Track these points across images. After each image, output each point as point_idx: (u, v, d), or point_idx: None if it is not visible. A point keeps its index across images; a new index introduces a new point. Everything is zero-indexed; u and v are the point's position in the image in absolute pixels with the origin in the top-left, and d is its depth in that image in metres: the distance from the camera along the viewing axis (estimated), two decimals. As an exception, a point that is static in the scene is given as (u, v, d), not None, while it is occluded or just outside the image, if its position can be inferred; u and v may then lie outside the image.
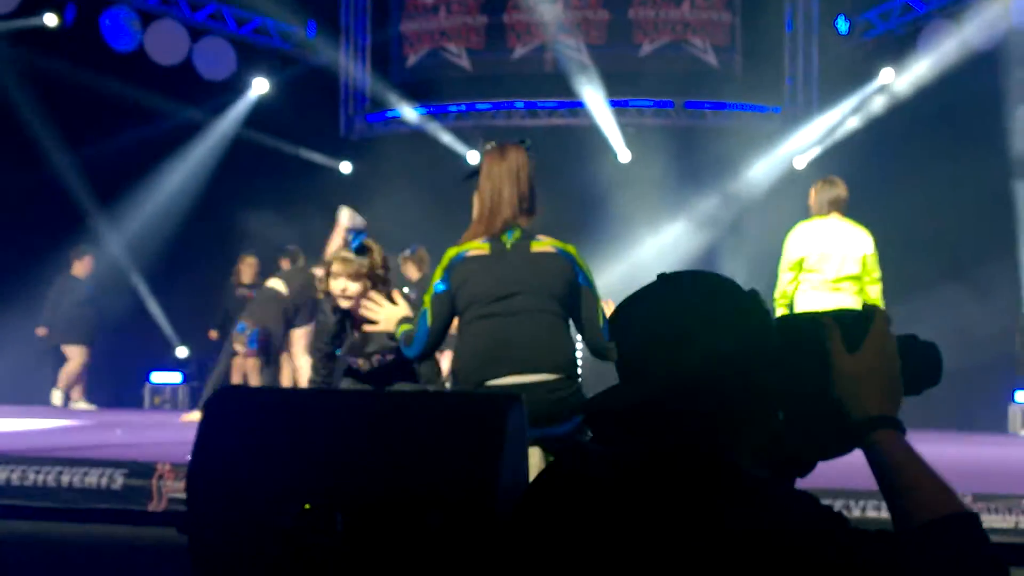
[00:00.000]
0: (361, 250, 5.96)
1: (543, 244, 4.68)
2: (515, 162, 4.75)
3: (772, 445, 2.06)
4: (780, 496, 1.92)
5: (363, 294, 5.78)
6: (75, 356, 12.33)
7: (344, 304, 5.84)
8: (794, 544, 1.81)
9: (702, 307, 2.04)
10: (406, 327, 4.90)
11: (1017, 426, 11.24)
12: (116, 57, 14.25)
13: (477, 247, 4.68)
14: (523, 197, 4.72)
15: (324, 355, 6.51)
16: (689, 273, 2.14)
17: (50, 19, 14.02)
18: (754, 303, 2.07)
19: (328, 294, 6.05)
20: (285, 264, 12.33)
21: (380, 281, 5.97)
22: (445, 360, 7.20)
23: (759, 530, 1.81)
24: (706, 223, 13.10)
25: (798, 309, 8.48)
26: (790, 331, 2.07)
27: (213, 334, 12.72)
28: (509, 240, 4.65)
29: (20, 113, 13.69)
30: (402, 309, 4.96)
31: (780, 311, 8.58)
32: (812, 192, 9.44)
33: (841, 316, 2.04)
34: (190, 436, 6.26)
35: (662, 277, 2.11)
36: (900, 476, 1.93)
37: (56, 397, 12.13)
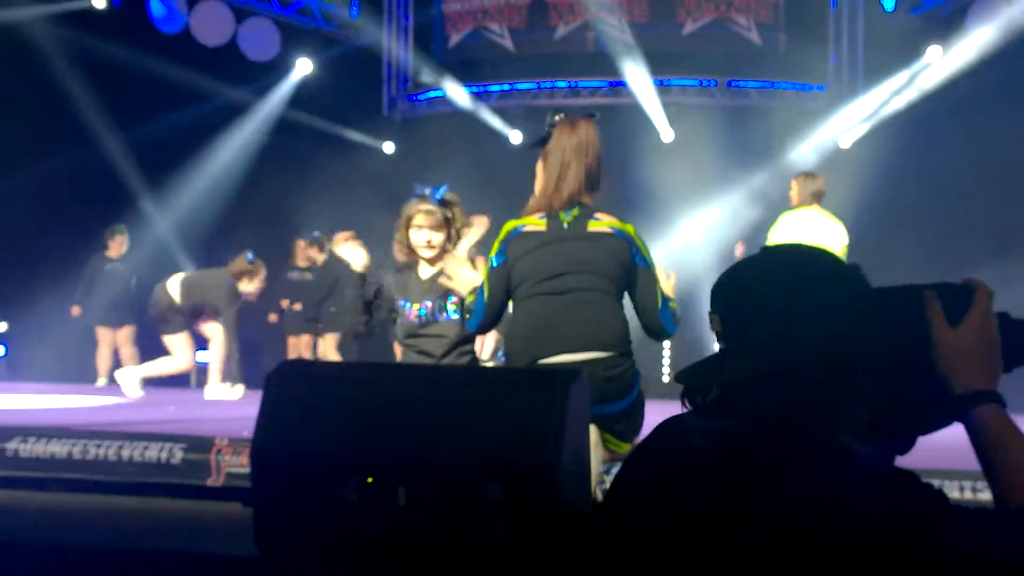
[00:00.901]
0: (443, 203, 5.95)
1: (600, 224, 4.61)
2: (585, 136, 4.68)
3: (875, 421, 2.03)
4: (883, 474, 1.92)
5: (444, 247, 5.75)
6: (106, 339, 12.29)
7: (426, 255, 5.71)
8: (897, 523, 1.81)
9: (807, 281, 2.05)
10: (472, 298, 4.91)
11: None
12: (162, 38, 14.28)
13: (534, 223, 4.64)
14: (590, 173, 4.68)
15: (358, 332, 6.47)
16: (794, 247, 2.16)
17: (98, 1, 14.07)
18: (856, 278, 2.06)
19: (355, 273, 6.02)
20: (311, 251, 12.43)
21: (457, 234, 5.93)
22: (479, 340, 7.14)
23: (862, 509, 1.81)
24: (751, 201, 13.03)
25: None
26: (891, 304, 2.05)
27: (273, 317, 12.76)
28: (567, 218, 4.61)
29: (69, 94, 13.77)
30: (480, 277, 4.86)
31: None
32: (794, 184, 9.51)
33: (943, 289, 2.01)
34: (244, 412, 6.28)
35: (766, 250, 2.14)
36: (1003, 452, 1.92)
37: (102, 382, 12.13)
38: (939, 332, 1.97)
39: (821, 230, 8.71)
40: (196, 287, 10.29)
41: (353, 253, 6.00)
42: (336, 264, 10.67)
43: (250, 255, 10.44)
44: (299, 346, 12.39)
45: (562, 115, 4.81)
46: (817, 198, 9.25)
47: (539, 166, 4.81)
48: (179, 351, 10.18)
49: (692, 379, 2.09)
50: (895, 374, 2.02)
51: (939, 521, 1.81)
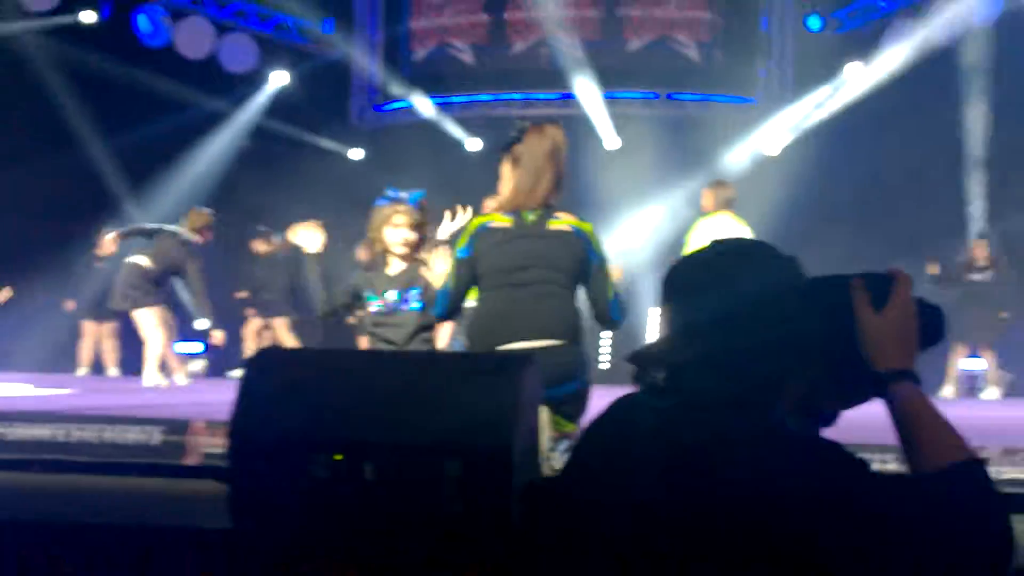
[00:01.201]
0: (418, 207, 5.97)
1: (561, 222, 4.70)
2: (556, 142, 4.77)
3: (805, 397, 2.07)
4: (811, 445, 1.97)
5: (418, 244, 5.84)
6: (90, 332, 12.37)
7: (400, 251, 5.82)
8: (824, 487, 1.84)
9: (747, 272, 2.07)
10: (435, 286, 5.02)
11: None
12: (148, 51, 14.30)
13: (500, 220, 4.72)
14: (559, 176, 4.77)
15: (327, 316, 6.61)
16: (736, 241, 2.23)
17: (87, 16, 14.07)
18: (792, 269, 2.10)
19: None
20: (261, 246, 12.49)
21: (427, 233, 6.05)
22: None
23: (792, 476, 1.85)
24: (689, 203, 13.13)
25: None
26: (821, 292, 2.08)
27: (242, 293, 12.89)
28: (531, 216, 4.67)
29: (58, 103, 13.72)
30: (442, 272, 4.97)
31: None
32: (707, 193, 9.80)
33: (868, 278, 2.07)
34: (218, 398, 6.27)
35: (714, 243, 2.17)
36: (917, 424, 1.98)
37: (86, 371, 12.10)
38: (864, 316, 2.04)
39: (732, 233, 8.82)
40: (161, 252, 10.27)
41: (308, 237, 6.12)
42: (286, 254, 10.71)
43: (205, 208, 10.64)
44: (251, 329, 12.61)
45: (529, 123, 4.90)
46: (728, 204, 9.58)
47: (505, 169, 4.86)
48: (153, 327, 10.15)
49: (643, 361, 2.12)
50: (825, 355, 2.07)
51: (862, 486, 1.87)
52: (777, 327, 2.00)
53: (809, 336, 2.02)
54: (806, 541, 1.81)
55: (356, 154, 15.16)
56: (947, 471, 1.89)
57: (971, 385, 11.08)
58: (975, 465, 1.90)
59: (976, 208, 12.69)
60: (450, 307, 4.80)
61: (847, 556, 1.81)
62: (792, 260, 2.09)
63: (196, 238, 10.32)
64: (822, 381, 2.08)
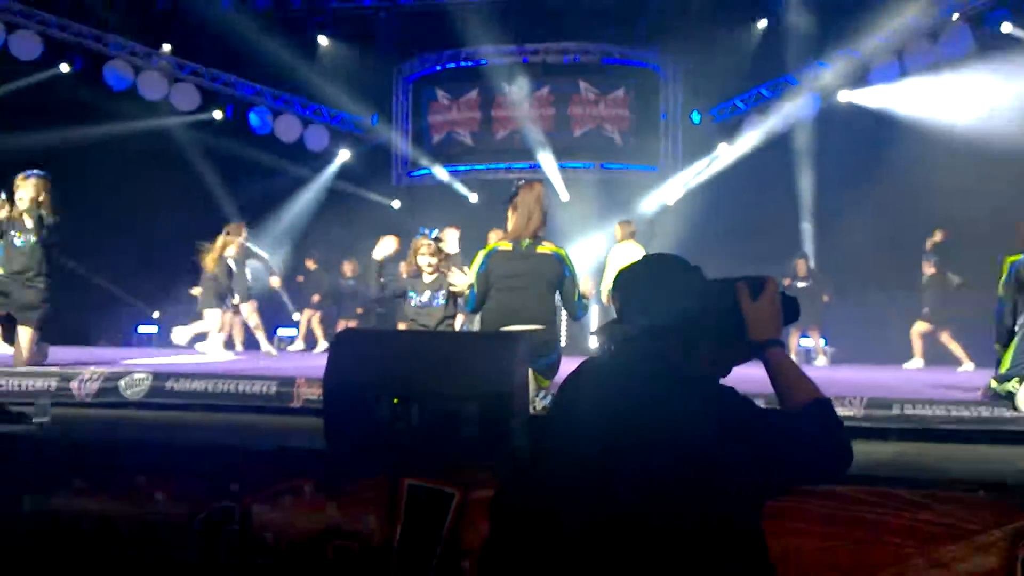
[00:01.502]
0: (436, 239, 6.00)
1: (545, 248, 4.69)
2: (540, 193, 4.79)
3: (709, 356, 2.08)
4: (717, 386, 1.98)
5: (438, 267, 5.86)
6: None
7: (427, 270, 5.86)
8: (725, 415, 1.87)
9: (670, 275, 2.12)
10: (467, 291, 4.91)
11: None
12: (257, 137, 14.19)
13: (504, 245, 4.71)
14: (544, 215, 4.75)
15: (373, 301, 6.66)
16: (661, 255, 2.21)
17: (217, 114, 13.97)
18: (697, 273, 2.13)
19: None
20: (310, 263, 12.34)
21: (444, 256, 6.08)
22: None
23: (710, 406, 1.89)
24: (612, 236, 13.14)
25: None
26: (719, 289, 2.09)
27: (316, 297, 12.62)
28: (525, 243, 4.68)
29: (198, 171, 13.68)
30: (469, 278, 4.82)
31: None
32: (618, 228, 9.87)
33: (747, 280, 2.07)
34: (311, 363, 6.18)
35: (647, 256, 2.28)
36: (785, 375, 2.03)
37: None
38: (746, 304, 2.04)
39: (635, 255, 8.83)
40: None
41: (383, 245, 6.17)
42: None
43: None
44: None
45: (524, 181, 4.91)
46: (633, 236, 9.64)
47: (509, 211, 4.83)
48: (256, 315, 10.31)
49: (605, 333, 2.13)
50: (722, 329, 2.05)
51: (752, 415, 1.90)
52: (688, 310, 2.02)
53: (710, 316, 2.04)
54: (716, 447, 1.81)
55: (396, 204, 15.04)
56: (807, 404, 1.95)
57: (806, 357, 11.07)
58: (824, 401, 1.96)
59: (804, 238, 12.72)
60: (477, 304, 4.75)
61: (744, 459, 1.82)
62: (697, 267, 2.13)
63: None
64: (720, 346, 2.08)
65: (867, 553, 2.82)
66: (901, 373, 8.86)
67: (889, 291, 11.02)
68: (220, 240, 9.68)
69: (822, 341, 10.98)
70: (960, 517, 2.79)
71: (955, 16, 11.13)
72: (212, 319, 9.35)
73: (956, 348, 9.58)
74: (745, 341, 2.04)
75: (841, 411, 3.99)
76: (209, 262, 9.50)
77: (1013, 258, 4.92)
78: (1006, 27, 10.72)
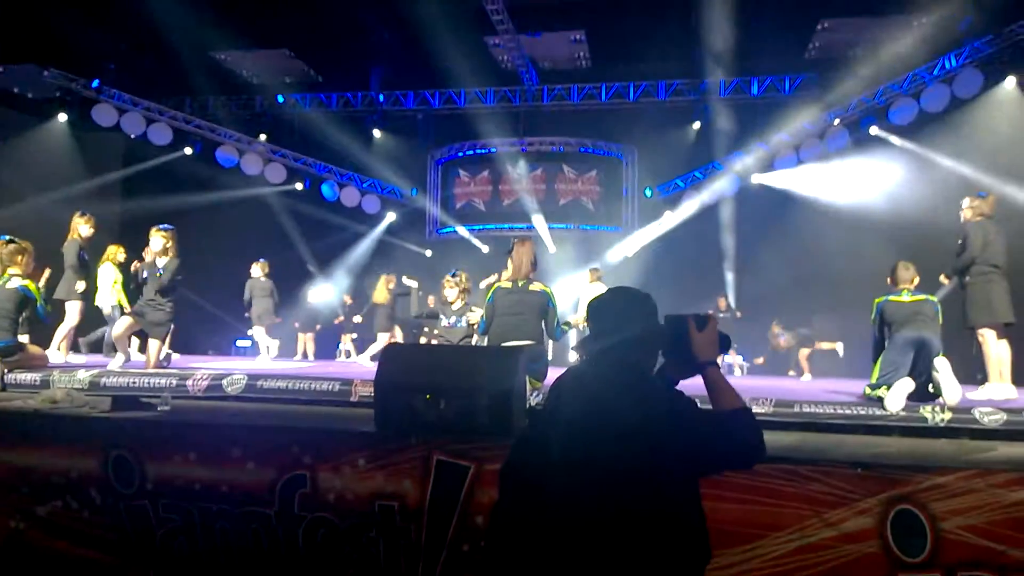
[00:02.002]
0: (457, 277, 6.00)
1: (535, 286, 4.71)
2: (529, 247, 4.84)
3: (662, 370, 2.09)
4: (670, 391, 1.99)
5: (461, 297, 5.85)
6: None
7: (452, 301, 5.85)
8: (679, 412, 1.89)
9: (631, 304, 2.09)
10: (478, 321, 4.97)
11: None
12: (328, 203, 14.23)
13: (506, 284, 4.74)
14: (532, 263, 4.78)
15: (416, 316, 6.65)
16: (625, 287, 2.17)
17: (298, 185, 14.02)
18: (650, 299, 2.11)
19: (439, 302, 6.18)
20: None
21: (467, 292, 6.05)
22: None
23: (663, 408, 1.88)
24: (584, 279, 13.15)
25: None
26: (673, 320, 2.07)
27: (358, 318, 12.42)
28: (520, 282, 4.71)
29: (284, 227, 13.71)
30: (481, 312, 4.86)
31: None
32: (588, 273, 9.70)
33: (695, 316, 2.05)
34: (364, 369, 6.10)
35: (613, 288, 2.17)
36: (719, 387, 1.99)
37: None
38: (693, 333, 2.00)
39: (601, 290, 8.75)
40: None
41: (411, 283, 6.18)
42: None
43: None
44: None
45: (517, 239, 4.99)
46: (599, 278, 9.48)
47: (508, 260, 4.86)
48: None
49: (582, 347, 2.11)
50: (673, 351, 2.05)
51: (698, 413, 1.92)
52: (645, 333, 2.03)
53: (665, 338, 2.05)
54: (671, 436, 1.82)
55: (428, 253, 15.04)
56: (736, 410, 1.93)
57: (728, 370, 10.99)
58: (748, 409, 1.95)
59: (726, 282, 12.71)
60: (487, 328, 4.76)
61: (690, 447, 1.84)
62: (649, 296, 2.11)
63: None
64: (671, 363, 2.08)
65: (776, 516, 2.78)
66: (798, 380, 8.82)
67: (787, 318, 10.99)
68: (382, 280, 9.94)
69: (740, 358, 10.92)
70: (844, 488, 2.76)
71: (836, 121, 11.24)
72: (385, 339, 9.49)
73: (804, 361, 9.83)
74: (691, 361, 2.03)
75: (756, 408, 3.97)
76: (380, 297, 9.76)
77: (879, 300, 4.92)
78: (874, 130, 10.84)
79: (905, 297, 4.84)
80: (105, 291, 7.37)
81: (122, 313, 6.67)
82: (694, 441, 1.84)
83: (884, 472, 2.77)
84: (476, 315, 5.32)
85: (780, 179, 12.11)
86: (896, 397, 4.18)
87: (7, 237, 5.15)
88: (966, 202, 5.79)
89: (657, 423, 1.82)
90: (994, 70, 9.53)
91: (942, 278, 6.03)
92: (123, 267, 7.78)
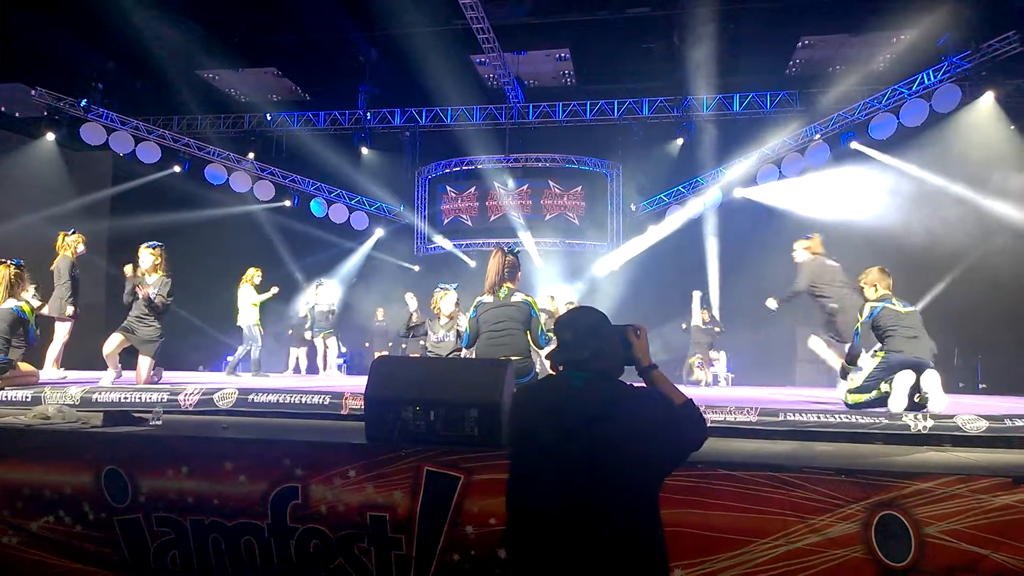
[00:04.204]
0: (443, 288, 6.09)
1: (517, 297, 4.63)
2: (498, 256, 4.72)
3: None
4: (638, 389, 2.14)
5: (451, 312, 5.82)
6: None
7: (447, 314, 5.85)
8: (647, 407, 2.07)
9: (595, 318, 2.23)
10: (464, 331, 4.90)
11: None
12: (316, 219, 14.22)
13: (488, 298, 4.66)
14: (501, 273, 4.67)
15: (401, 337, 6.62)
16: (585, 307, 2.31)
17: (287, 202, 14.01)
18: (606, 317, 2.26)
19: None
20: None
21: (458, 305, 6.10)
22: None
23: (635, 402, 2.05)
24: (576, 292, 13.13)
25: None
26: (620, 330, 2.26)
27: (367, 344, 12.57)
28: (502, 294, 4.62)
29: (274, 244, 13.69)
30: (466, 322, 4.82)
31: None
32: (552, 303, 9.58)
33: (631, 326, 2.27)
34: (354, 381, 6.08)
35: (577, 307, 2.38)
36: (663, 386, 2.25)
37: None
38: (634, 341, 2.22)
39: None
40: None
41: (410, 301, 6.17)
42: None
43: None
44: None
45: (495, 249, 4.87)
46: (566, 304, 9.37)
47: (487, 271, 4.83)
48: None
49: (558, 358, 2.22)
50: (626, 357, 2.27)
51: (669, 405, 2.14)
52: (605, 342, 2.18)
53: (621, 349, 2.24)
54: (651, 427, 2.00)
55: (416, 268, 15.03)
56: (684, 403, 2.19)
57: (715, 380, 10.99)
58: (691, 400, 2.20)
59: (709, 293, 12.75)
60: (470, 342, 4.72)
61: (669, 435, 2.04)
62: (604, 314, 2.25)
63: None
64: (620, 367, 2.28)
65: (761, 522, 2.81)
66: (782, 389, 8.87)
67: (770, 329, 11.08)
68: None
69: (724, 369, 10.95)
70: (829, 494, 2.79)
71: (817, 136, 11.41)
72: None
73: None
74: (635, 365, 2.26)
75: (740, 418, 4.00)
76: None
77: (874, 304, 4.89)
78: (854, 144, 11.00)
79: (900, 307, 4.84)
80: (245, 311, 7.60)
81: (260, 332, 7.44)
82: (669, 428, 2.05)
83: (868, 478, 2.80)
84: (463, 322, 5.30)
85: (762, 193, 12.24)
86: (899, 398, 4.27)
87: (17, 261, 5.14)
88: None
89: (641, 419, 2.00)
90: (972, 85, 9.73)
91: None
92: (260, 288, 8.14)
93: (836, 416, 3.98)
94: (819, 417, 3.97)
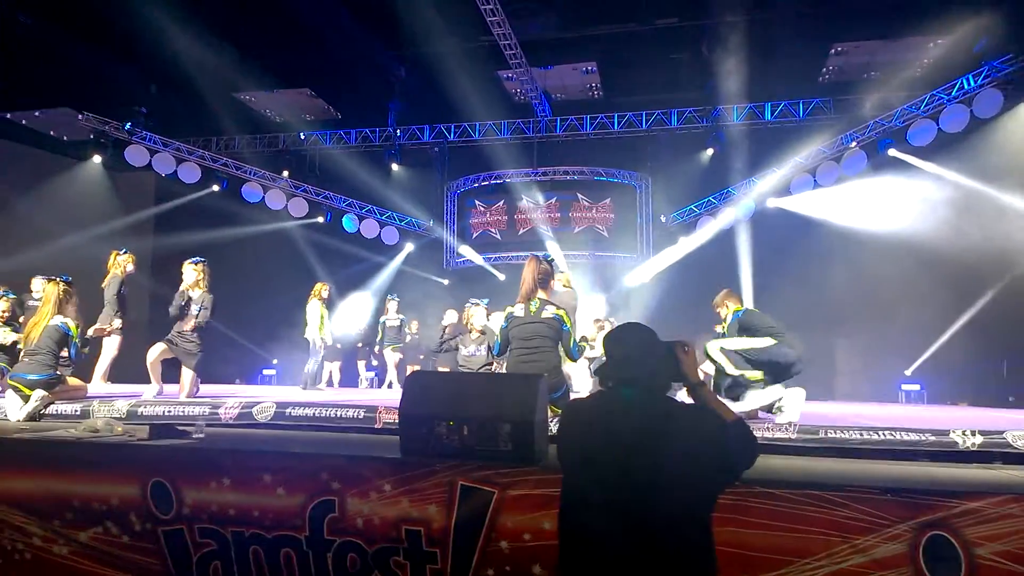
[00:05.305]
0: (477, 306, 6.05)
1: (548, 311, 4.48)
2: (532, 264, 4.59)
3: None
4: (689, 406, 2.15)
5: (483, 327, 5.84)
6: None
7: (477, 329, 5.83)
8: (700, 424, 2.03)
9: (646, 335, 2.21)
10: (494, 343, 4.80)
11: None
12: (349, 235, 14.39)
13: (519, 311, 4.54)
14: (537, 280, 4.56)
15: (433, 351, 6.63)
16: (635, 323, 2.28)
17: (320, 219, 14.20)
18: (653, 333, 2.23)
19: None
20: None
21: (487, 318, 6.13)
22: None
23: (687, 420, 2.03)
24: (608, 302, 13.06)
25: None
26: (668, 345, 2.22)
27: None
28: (533, 307, 4.50)
29: (307, 257, 13.86)
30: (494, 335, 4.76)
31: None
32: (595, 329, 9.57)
33: (679, 342, 2.22)
34: (390, 396, 6.10)
35: (628, 323, 2.29)
36: (712, 403, 2.18)
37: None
38: (682, 357, 2.17)
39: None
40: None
41: (451, 316, 6.17)
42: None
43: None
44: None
45: (529, 257, 4.74)
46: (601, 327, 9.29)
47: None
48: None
49: (605, 374, 2.20)
50: (673, 374, 2.23)
51: (721, 423, 2.08)
52: (655, 358, 2.16)
53: (671, 366, 2.19)
54: (702, 449, 1.97)
55: (445, 282, 15.08)
56: (735, 421, 2.10)
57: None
58: (741, 419, 2.12)
59: (746, 300, 12.56)
60: (501, 351, 4.61)
61: (719, 454, 2.00)
62: (653, 331, 2.22)
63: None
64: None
65: (803, 541, 2.73)
66: (823, 404, 8.67)
67: (807, 341, 10.85)
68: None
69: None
70: (873, 514, 2.71)
71: (853, 144, 11.22)
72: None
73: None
74: (684, 382, 2.21)
75: (778, 434, 3.92)
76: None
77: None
78: (892, 152, 10.79)
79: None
80: (312, 325, 7.82)
81: (325, 346, 7.70)
82: (722, 446, 2.00)
83: (914, 497, 2.71)
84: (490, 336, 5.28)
85: (797, 203, 12.07)
86: (765, 398, 4.60)
87: (66, 278, 5.30)
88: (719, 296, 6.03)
89: (695, 436, 1.98)
90: (1014, 90, 9.49)
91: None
92: (328, 303, 8.31)
93: (879, 433, 3.87)
94: (861, 434, 3.86)
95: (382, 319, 10.15)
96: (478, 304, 6.10)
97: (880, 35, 10.67)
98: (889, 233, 10.19)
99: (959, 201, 9.71)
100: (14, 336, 6.10)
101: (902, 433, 3.84)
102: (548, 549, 2.85)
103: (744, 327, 5.05)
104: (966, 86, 9.85)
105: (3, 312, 6.31)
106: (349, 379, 12.22)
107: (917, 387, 10.86)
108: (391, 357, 10.00)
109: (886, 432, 3.86)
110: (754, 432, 2.15)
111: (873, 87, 11.09)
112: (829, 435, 3.88)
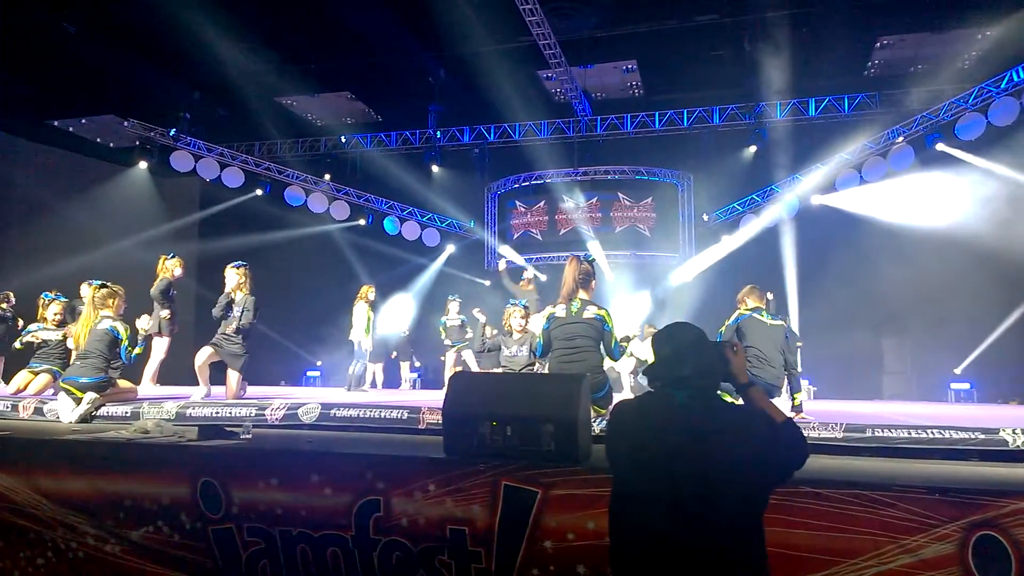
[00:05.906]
0: (525, 308, 6.11)
1: (590, 312, 4.47)
2: (573, 264, 4.60)
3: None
4: (739, 407, 2.21)
5: (523, 327, 5.88)
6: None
7: (517, 329, 5.90)
8: (750, 425, 2.06)
9: (696, 334, 2.22)
10: (536, 343, 4.81)
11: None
12: (390, 237, 14.55)
13: (560, 311, 4.53)
14: (578, 280, 4.55)
15: (476, 353, 6.67)
16: (684, 322, 2.29)
17: (361, 221, 14.39)
18: (703, 333, 2.24)
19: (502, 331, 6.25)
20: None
21: (527, 319, 6.13)
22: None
23: (738, 420, 2.06)
24: (650, 301, 12.98)
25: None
26: (718, 347, 2.25)
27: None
28: (574, 308, 4.50)
29: (349, 259, 14.08)
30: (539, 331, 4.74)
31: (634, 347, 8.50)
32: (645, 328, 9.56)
33: (728, 343, 2.26)
34: (434, 397, 6.18)
35: (676, 322, 2.30)
36: (762, 404, 2.20)
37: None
38: (731, 358, 2.21)
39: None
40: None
41: (480, 316, 6.21)
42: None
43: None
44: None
45: (569, 257, 4.75)
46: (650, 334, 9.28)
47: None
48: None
49: (653, 375, 2.23)
50: (724, 375, 2.26)
51: (770, 423, 2.11)
52: (708, 359, 2.16)
53: (720, 366, 2.22)
54: (753, 450, 1.98)
55: (487, 283, 15.16)
56: (785, 421, 2.12)
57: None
58: (791, 420, 2.14)
59: (788, 304, 12.37)
60: (543, 351, 4.62)
61: (769, 454, 2.01)
62: (703, 331, 2.24)
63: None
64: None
65: (850, 541, 2.72)
66: (868, 403, 8.51)
67: (854, 340, 10.66)
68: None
69: (806, 381, 10.60)
70: (921, 513, 2.68)
71: (900, 139, 10.97)
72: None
73: None
74: (733, 382, 2.23)
75: (824, 434, 3.88)
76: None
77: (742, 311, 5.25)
78: (940, 147, 10.52)
79: (768, 319, 5.19)
80: (358, 327, 8.07)
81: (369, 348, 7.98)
82: (773, 447, 2.02)
83: (963, 497, 2.68)
84: (536, 326, 5.29)
85: (843, 199, 11.84)
86: None
87: (99, 282, 5.50)
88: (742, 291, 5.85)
89: (746, 437, 2.00)
90: (1067, 81, 9.19)
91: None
92: (374, 306, 8.48)
93: (927, 432, 3.80)
94: (909, 433, 3.80)
95: (443, 319, 10.21)
96: (517, 306, 6.14)
97: (927, 27, 10.39)
98: (938, 230, 9.94)
99: (1010, 196, 9.43)
100: (54, 334, 6.36)
101: (951, 432, 3.77)
102: (593, 549, 2.87)
103: (739, 333, 5.13)
104: (1015, 78, 9.55)
105: (56, 315, 6.58)
106: (391, 381, 12.38)
107: (967, 386, 10.58)
108: (451, 357, 10.01)
109: (934, 431, 3.79)
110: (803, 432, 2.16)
111: (920, 80, 10.82)
112: (876, 434, 3.83)
